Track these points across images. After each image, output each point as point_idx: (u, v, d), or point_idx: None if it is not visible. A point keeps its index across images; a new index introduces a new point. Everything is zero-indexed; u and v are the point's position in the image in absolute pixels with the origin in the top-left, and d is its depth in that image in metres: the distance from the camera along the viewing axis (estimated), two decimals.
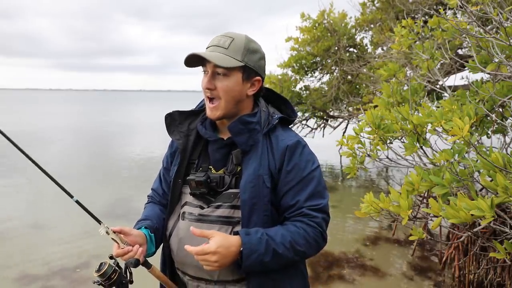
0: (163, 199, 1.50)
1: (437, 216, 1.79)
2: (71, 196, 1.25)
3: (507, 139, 2.87)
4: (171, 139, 1.47)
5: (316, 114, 10.22)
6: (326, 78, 9.93)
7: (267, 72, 1.72)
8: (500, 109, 2.70)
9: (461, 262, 3.86)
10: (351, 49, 9.36)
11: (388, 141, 2.58)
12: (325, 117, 10.39)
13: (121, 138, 17.07)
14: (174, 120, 1.41)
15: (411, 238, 2.10)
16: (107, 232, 1.20)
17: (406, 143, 2.30)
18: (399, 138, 2.53)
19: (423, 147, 2.35)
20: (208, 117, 1.33)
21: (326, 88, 9.66)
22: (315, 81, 9.96)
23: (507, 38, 2.13)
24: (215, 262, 1.15)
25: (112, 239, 1.22)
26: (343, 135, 2.75)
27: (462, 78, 4.52)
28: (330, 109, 9.86)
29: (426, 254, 4.62)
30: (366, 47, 9.30)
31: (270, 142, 1.31)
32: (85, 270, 4.22)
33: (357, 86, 9.24)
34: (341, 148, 2.71)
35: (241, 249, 1.18)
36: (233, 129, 1.28)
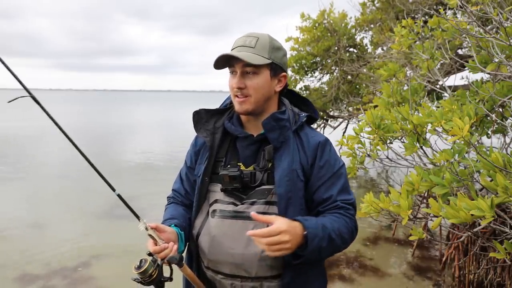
0: (185, 199, 1.50)
1: (437, 216, 1.79)
2: (113, 190, 1.28)
3: (507, 139, 2.87)
4: (193, 138, 1.50)
5: None
6: (326, 78, 9.93)
7: None
8: (500, 109, 2.70)
9: (461, 262, 3.86)
10: (351, 49, 9.35)
11: (388, 141, 2.58)
12: (325, 117, 10.39)
13: (121, 138, 17.07)
14: (200, 118, 1.43)
15: (411, 238, 2.10)
16: (146, 228, 1.20)
17: (406, 143, 2.30)
18: (399, 138, 2.53)
19: (423, 147, 2.36)
20: (236, 111, 1.35)
21: (326, 88, 9.66)
22: (315, 81, 9.96)
23: (507, 38, 2.13)
24: (287, 242, 1.11)
25: (150, 235, 1.21)
26: (343, 135, 2.75)
27: (462, 78, 4.53)
28: (330, 109, 9.86)
29: (426, 254, 4.62)
30: (366, 47, 9.29)
31: (300, 139, 1.36)
32: (85, 270, 4.22)
33: (357, 86, 9.24)
34: (341, 148, 2.71)
35: (305, 232, 1.17)
36: (266, 126, 1.31)
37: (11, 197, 7.38)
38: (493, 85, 2.52)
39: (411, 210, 1.90)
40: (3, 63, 1.16)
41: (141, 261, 1.19)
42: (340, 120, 10.44)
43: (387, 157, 2.75)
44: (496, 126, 2.69)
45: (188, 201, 1.48)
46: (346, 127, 10.61)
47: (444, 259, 4.17)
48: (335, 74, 9.46)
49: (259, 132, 1.37)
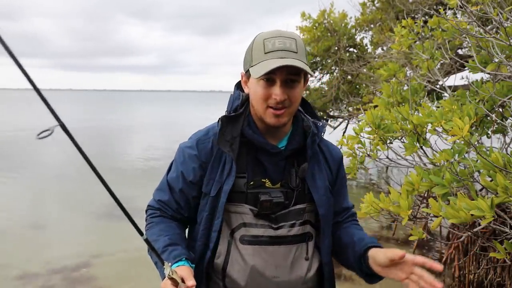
0: (176, 213, 1.28)
1: (437, 216, 1.79)
2: (141, 234, 1.05)
3: (507, 139, 2.88)
4: (191, 145, 1.27)
5: None
6: (326, 78, 9.92)
7: None
8: (500, 109, 2.70)
9: (461, 262, 3.86)
10: (351, 49, 9.35)
11: (388, 141, 2.58)
12: (325, 117, 10.38)
13: (121, 138, 17.07)
14: (222, 127, 1.20)
15: (411, 238, 2.10)
16: (170, 273, 1.01)
17: (406, 143, 2.30)
18: (399, 138, 2.53)
19: (423, 147, 2.36)
20: (271, 124, 1.17)
21: (326, 88, 9.65)
22: (315, 81, 9.95)
23: (507, 38, 2.13)
24: None
25: (172, 278, 1.01)
26: (343, 135, 2.75)
27: (462, 78, 4.52)
28: (330, 109, 9.85)
29: (426, 254, 4.62)
30: (366, 47, 9.29)
31: (322, 152, 1.31)
32: (85, 270, 4.22)
33: (357, 86, 9.24)
34: (341, 148, 2.71)
35: None
36: (309, 144, 1.23)
37: (11, 197, 7.38)
38: (493, 85, 2.52)
39: (411, 210, 1.90)
40: (28, 79, 0.87)
41: None
42: (340, 120, 10.43)
43: (387, 157, 2.76)
44: (496, 126, 2.69)
45: (179, 215, 1.28)
46: (346, 127, 10.60)
47: (444, 259, 4.17)
48: (335, 74, 9.45)
49: (278, 140, 1.24)
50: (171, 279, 1.00)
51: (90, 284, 3.92)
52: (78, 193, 7.41)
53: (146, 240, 1.04)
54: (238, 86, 1.29)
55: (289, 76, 1.12)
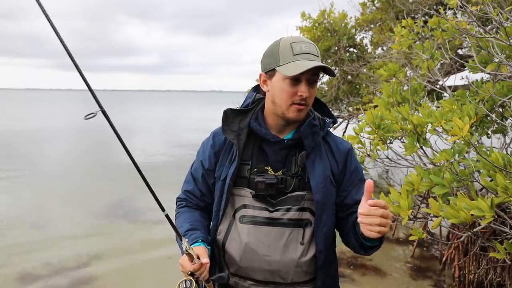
0: (200, 201, 1.45)
1: (437, 216, 1.80)
2: (163, 210, 1.20)
3: (507, 139, 2.88)
4: (209, 137, 1.45)
5: None
6: (326, 78, 9.93)
7: None
8: (500, 109, 2.70)
9: (461, 262, 3.86)
10: (351, 49, 9.35)
11: (388, 141, 2.58)
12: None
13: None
14: (227, 118, 1.38)
15: (411, 238, 2.10)
16: (187, 247, 1.16)
17: (406, 143, 2.30)
18: (399, 138, 2.53)
19: (423, 147, 2.36)
20: (293, 119, 1.30)
21: (326, 88, 9.65)
22: None
23: (507, 38, 2.13)
24: (388, 223, 1.09)
25: (188, 253, 1.17)
26: (343, 135, 2.75)
27: (462, 78, 4.52)
28: (330, 109, 9.84)
29: (426, 254, 4.62)
30: (366, 47, 9.29)
31: (328, 145, 1.38)
32: (85, 270, 4.22)
33: (357, 86, 9.24)
34: None
35: None
36: (304, 132, 1.31)
37: (12, 197, 7.38)
38: (493, 85, 2.52)
39: (411, 210, 1.90)
40: (80, 73, 1.13)
41: (185, 282, 1.15)
42: (340, 120, 10.43)
43: (387, 157, 2.76)
44: (496, 126, 2.69)
45: (203, 203, 1.45)
46: (346, 127, 10.60)
47: (444, 259, 4.18)
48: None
49: (285, 134, 1.36)
50: (188, 254, 1.15)
51: (91, 284, 3.92)
52: (79, 193, 7.42)
53: (167, 216, 1.20)
54: (255, 89, 1.44)
55: (313, 77, 1.26)
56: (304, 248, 1.31)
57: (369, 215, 1.06)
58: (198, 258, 1.18)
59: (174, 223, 1.23)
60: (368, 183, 1.09)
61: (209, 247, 1.31)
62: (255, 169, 1.33)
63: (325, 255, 1.33)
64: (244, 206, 1.33)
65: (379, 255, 4.60)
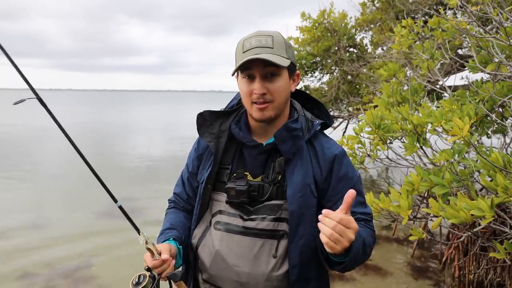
0: (187, 204, 1.42)
1: (437, 216, 1.80)
2: (115, 201, 1.23)
3: (507, 139, 2.88)
4: (196, 140, 1.40)
5: None
6: (326, 78, 9.93)
7: None
8: (500, 109, 2.70)
9: (461, 262, 3.86)
10: (351, 49, 9.35)
11: (388, 141, 2.58)
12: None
13: (122, 137, 17.06)
14: (205, 121, 1.30)
15: (411, 238, 2.10)
16: (146, 242, 1.16)
17: (406, 143, 2.30)
18: (399, 138, 2.53)
19: (423, 147, 2.36)
20: (257, 119, 1.22)
21: (326, 88, 9.66)
22: (315, 81, 9.96)
23: (507, 38, 2.13)
24: (348, 238, 0.99)
25: (148, 249, 1.16)
26: (343, 135, 2.75)
27: (462, 78, 4.53)
28: (330, 109, 9.85)
29: (426, 254, 4.62)
30: (366, 47, 9.29)
31: (314, 150, 1.26)
32: (85, 270, 4.22)
33: (357, 86, 9.24)
34: None
35: None
36: (279, 137, 1.21)
37: (12, 197, 7.38)
38: (493, 85, 2.52)
39: (411, 210, 1.90)
40: (12, 63, 1.16)
41: (139, 276, 1.14)
42: (340, 120, 10.44)
43: (387, 157, 2.76)
44: (496, 126, 2.69)
45: (189, 206, 1.41)
46: (346, 127, 10.61)
47: (444, 259, 4.17)
48: (335, 74, 9.46)
49: (269, 138, 1.26)
50: (148, 249, 1.15)
51: (91, 284, 3.92)
52: (79, 193, 7.41)
53: (120, 207, 1.27)
54: None
55: (268, 71, 1.16)
56: (277, 262, 1.20)
57: (322, 224, 0.99)
58: (160, 254, 1.15)
59: (130, 217, 1.26)
60: (349, 192, 0.99)
61: (181, 246, 1.27)
62: (234, 174, 1.26)
63: (299, 271, 1.20)
64: (220, 212, 1.28)
65: (379, 255, 4.61)
